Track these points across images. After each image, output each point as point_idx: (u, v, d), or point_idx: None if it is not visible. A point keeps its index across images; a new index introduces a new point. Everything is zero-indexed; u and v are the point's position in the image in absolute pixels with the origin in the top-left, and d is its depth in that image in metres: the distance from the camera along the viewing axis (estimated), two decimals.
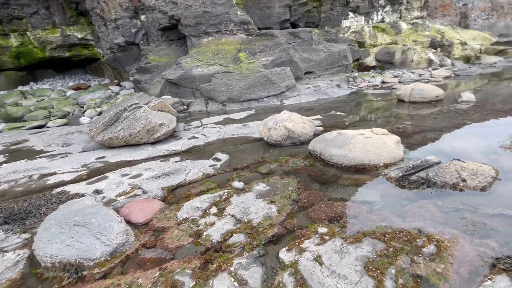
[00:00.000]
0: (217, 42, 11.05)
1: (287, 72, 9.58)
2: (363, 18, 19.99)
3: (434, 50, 15.96)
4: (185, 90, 9.67)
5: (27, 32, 14.41)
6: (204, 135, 5.60)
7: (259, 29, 13.70)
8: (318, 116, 6.40)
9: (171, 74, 9.53)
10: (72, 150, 5.38)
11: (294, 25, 15.16)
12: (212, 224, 2.32)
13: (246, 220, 2.30)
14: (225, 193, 2.83)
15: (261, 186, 3.02)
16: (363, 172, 3.27)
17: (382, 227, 2.15)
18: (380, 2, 19.82)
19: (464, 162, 2.94)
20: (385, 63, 16.48)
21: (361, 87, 11.13)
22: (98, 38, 13.88)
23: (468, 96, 6.58)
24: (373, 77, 13.25)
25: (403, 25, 18.24)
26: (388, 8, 20.31)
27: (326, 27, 20.01)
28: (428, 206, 2.44)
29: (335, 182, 3.15)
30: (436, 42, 16.28)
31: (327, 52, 11.47)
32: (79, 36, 15.15)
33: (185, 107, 9.43)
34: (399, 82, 11.81)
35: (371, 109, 6.75)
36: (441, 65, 14.91)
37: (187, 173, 3.54)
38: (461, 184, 2.63)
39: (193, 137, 5.48)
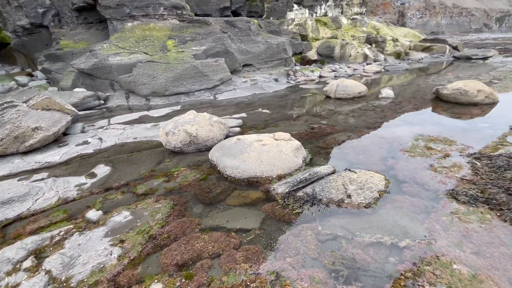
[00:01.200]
0: (144, 27, 9.82)
1: (221, 64, 8.94)
2: (307, 11, 20.11)
3: (369, 46, 16.79)
4: (102, 82, 8.38)
5: None
6: (100, 139, 4.72)
7: (196, 15, 12.67)
8: (243, 115, 5.96)
9: (83, 63, 8.14)
10: None
11: (235, 14, 14.42)
12: None
13: (63, 279, 1.68)
14: (63, 231, 2.16)
15: (121, 216, 2.41)
16: (255, 186, 2.88)
17: (235, 275, 1.73)
18: None
19: (355, 173, 2.73)
20: (326, 57, 16.85)
21: (299, 82, 11.04)
22: (4, 19, 11.39)
23: (387, 92, 6.78)
24: (312, 71, 13.35)
25: (344, 20, 18.80)
26: (330, 2, 20.72)
27: (271, 18, 19.66)
28: (305, 233, 2.12)
29: (222, 201, 2.70)
30: (371, 38, 17.14)
31: (266, 44, 11.08)
32: None
33: (102, 101, 8.18)
34: (335, 76, 12.05)
35: (298, 106, 6.55)
36: (375, 60, 15.76)
37: (37, 199, 2.74)
38: (346, 201, 2.37)
39: (85, 143, 4.57)
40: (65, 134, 5.20)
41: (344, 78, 7.23)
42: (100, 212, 2.55)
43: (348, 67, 14.33)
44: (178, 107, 7.26)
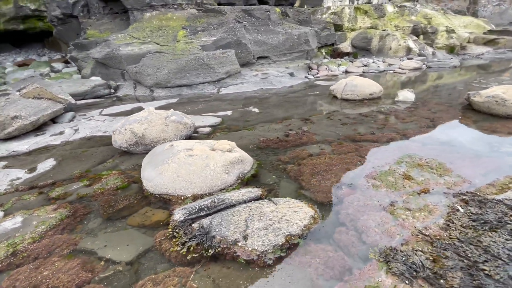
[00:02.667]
0: (162, 17, 9.85)
1: (230, 56, 8.53)
2: None
3: (415, 38, 14.65)
4: (114, 71, 8.66)
5: None
6: (76, 129, 4.76)
7: (220, 4, 12.35)
8: (227, 113, 5.51)
9: (98, 53, 8.47)
10: None
11: (262, 2, 13.73)
12: None
13: None
14: None
15: (12, 222, 2.25)
16: (166, 206, 2.49)
17: None
18: None
19: (275, 204, 2.15)
20: (362, 49, 15.23)
21: (318, 77, 10.10)
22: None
23: (405, 95, 5.66)
24: (340, 65, 12.16)
25: (389, 8, 16.70)
26: None
27: (305, 6, 18.54)
28: (169, 283, 1.68)
29: (124, 219, 2.37)
30: (419, 29, 14.92)
31: (285, 35, 10.29)
32: (32, 7, 13.80)
33: (112, 90, 8.47)
34: (363, 72, 10.75)
35: (295, 106, 5.84)
36: (420, 55, 13.70)
37: None
38: (239, 244, 1.84)
39: (60, 133, 4.65)
40: (54, 122, 5.41)
41: (356, 76, 6.26)
42: (1, 213, 2.44)
43: (383, 62, 12.73)
44: (175, 100, 7.12)
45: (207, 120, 4.97)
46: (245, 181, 2.80)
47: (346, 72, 11.20)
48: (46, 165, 3.42)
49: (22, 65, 11.87)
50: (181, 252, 1.88)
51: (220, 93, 7.93)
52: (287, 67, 10.17)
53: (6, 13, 13.14)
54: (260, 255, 1.77)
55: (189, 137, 4.15)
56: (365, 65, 12.08)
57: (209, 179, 2.53)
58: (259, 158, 3.41)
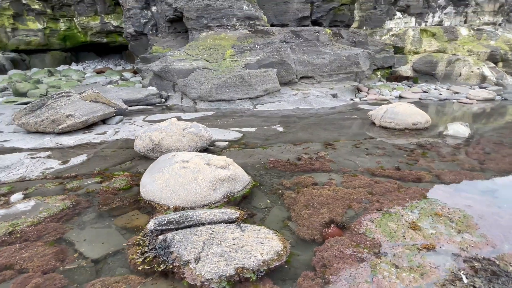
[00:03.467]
0: (215, 36, 10.68)
1: (270, 75, 8.67)
2: (413, 19, 17.26)
3: (493, 65, 12.69)
4: (167, 83, 9.61)
5: (74, 18, 16.29)
6: (117, 131, 5.37)
7: (273, 25, 12.83)
8: (251, 129, 5.53)
9: (155, 66, 9.56)
10: None
11: (316, 24, 13.77)
12: None
13: None
14: None
15: (25, 205, 2.62)
16: (150, 212, 2.56)
17: None
18: (439, 1, 16.78)
19: (241, 230, 2.01)
20: (425, 74, 13.87)
21: (365, 100, 9.49)
22: None
23: (456, 129, 4.86)
24: (393, 89, 11.24)
25: (463, 31, 15.01)
26: (449, 9, 17.11)
27: (364, 28, 18.01)
28: None
29: (114, 218, 2.53)
30: (497, 55, 12.94)
31: (333, 56, 10.04)
32: (115, 24, 16.48)
33: (163, 100, 9.39)
34: (420, 99, 9.68)
35: (325, 129, 5.54)
36: (497, 84, 11.75)
37: (10, 173, 3.37)
38: (190, 266, 1.75)
39: (103, 133, 5.30)
40: (104, 123, 6.21)
41: (400, 103, 5.66)
42: (22, 196, 2.86)
43: (448, 89, 11.31)
44: (211, 113, 7.49)
45: (229, 135, 5.07)
46: (233, 201, 2.71)
47: (400, 97, 10.26)
48: (78, 159, 3.91)
49: (100, 72, 14.12)
50: (137, 261, 1.89)
51: (255, 109, 8.06)
52: (331, 88, 9.83)
53: (93, 28, 15.96)
54: (205, 283, 1.66)
55: (205, 150, 4.28)
56: (424, 91, 10.91)
57: (193, 193, 2.53)
58: (261, 179, 3.29)
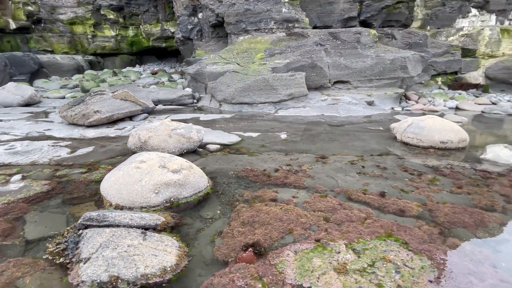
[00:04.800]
0: (252, 40, 10.79)
1: (297, 79, 8.32)
2: (493, 17, 14.57)
3: None
4: (200, 85, 10.10)
5: (140, 26, 18.53)
6: (134, 128, 5.87)
7: (315, 27, 12.31)
8: (252, 134, 5.36)
9: (192, 69, 10.16)
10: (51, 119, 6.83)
11: (365, 24, 12.66)
12: None
13: None
14: None
15: (15, 186, 3.06)
16: (99, 205, 2.70)
17: None
18: None
19: (143, 239, 1.93)
20: (500, 82, 11.47)
21: (408, 110, 8.32)
22: None
23: (497, 153, 3.82)
24: (451, 98, 9.60)
25: None
26: None
27: (428, 28, 15.98)
28: None
29: (71, 205, 2.77)
30: None
31: (375, 59, 9.09)
32: (172, 30, 18.10)
33: (195, 101, 9.91)
34: (483, 112, 8.00)
35: (333, 140, 5.02)
36: None
37: (28, 156, 4.01)
38: (80, 265, 1.77)
39: (122, 128, 5.85)
40: (131, 119, 6.86)
41: (432, 116, 4.75)
42: (20, 177, 3.34)
43: None
44: (229, 116, 7.58)
45: (228, 138, 5.03)
46: (175, 207, 2.66)
47: (457, 108, 8.68)
48: (84, 151, 4.40)
49: (154, 73, 15.68)
50: (49, 249, 2.01)
51: (276, 114, 7.84)
52: (369, 94, 8.90)
53: (155, 34, 17.79)
54: (80, 284, 1.66)
55: (194, 151, 4.34)
56: (493, 103, 8.99)
57: (134, 194, 2.57)
58: (226, 187, 3.16)
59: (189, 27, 12.82)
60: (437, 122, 4.48)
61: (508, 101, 8.97)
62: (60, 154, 4.23)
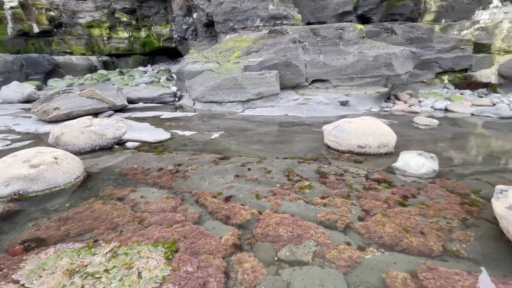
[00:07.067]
0: (237, 39, 10.75)
1: (267, 78, 8.11)
2: None
3: None
4: (182, 83, 10.31)
5: (151, 27, 19.42)
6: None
7: (309, 24, 11.88)
8: (185, 133, 5.35)
9: (175, 68, 10.43)
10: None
11: (364, 19, 11.89)
12: None
13: None
14: None
15: None
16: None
17: None
18: None
19: None
20: None
21: (386, 111, 7.69)
22: None
23: (408, 162, 3.35)
24: (449, 99, 8.70)
25: None
26: None
27: (443, 21, 14.68)
28: None
29: None
30: None
31: (357, 56, 8.52)
32: None
33: (176, 99, 10.17)
34: (473, 115, 7.09)
35: (261, 142, 4.82)
36: None
37: None
38: None
39: None
40: (97, 116, 7.27)
41: (363, 118, 4.35)
42: None
43: None
44: (191, 114, 7.67)
45: (157, 136, 5.10)
46: (22, 199, 2.80)
47: (446, 110, 7.80)
48: (17, 144, 4.78)
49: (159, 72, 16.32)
50: None
51: (242, 113, 7.74)
52: (347, 94, 8.37)
53: (164, 35, 18.49)
54: None
55: (109, 148, 4.49)
56: (493, 104, 7.94)
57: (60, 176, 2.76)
58: (96, 184, 3.23)
59: (184, 27, 13.15)
60: (362, 125, 4.08)
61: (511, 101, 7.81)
62: (3, 143, 4.65)
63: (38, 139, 5.12)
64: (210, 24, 12.38)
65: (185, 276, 1.71)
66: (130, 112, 7.83)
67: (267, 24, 10.67)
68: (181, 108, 9.06)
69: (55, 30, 17.02)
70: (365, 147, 3.90)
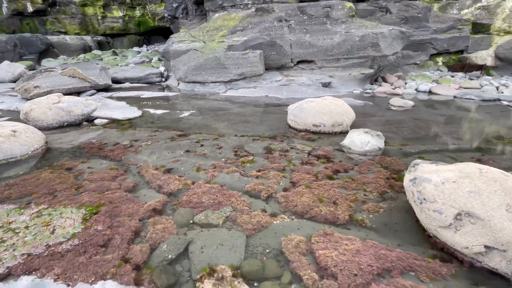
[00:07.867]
0: (226, 17, 10.53)
1: (250, 58, 8.03)
2: None
3: None
4: (169, 63, 10.28)
5: (146, 6, 19.04)
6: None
7: (301, 1, 11.48)
8: (158, 111, 5.45)
9: (161, 48, 10.35)
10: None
11: None
12: None
13: None
14: None
15: None
16: None
17: None
18: None
19: None
20: None
21: (368, 93, 7.61)
22: None
23: (354, 140, 3.41)
24: (437, 81, 8.54)
25: None
26: None
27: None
28: None
29: None
30: None
31: (344, 36, 8.33)
32: None
33: (163, 79, 10.19)
34: (455, 97, 6.98)
35: (229, 121, 4.89)
36: None
37: None
38: None
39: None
40: (79, 95, 7.40)
41: (323, 98, 4.36)
42: None
43: None
44: (172, 94, 7.74)
45: (128, 114, 5.22)
46: None
47: (430, 92, 7.68)
48: (1, 119, 4.97)
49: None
50: None
51: (224, 94, 7.77)
52: (331, 75, 8.27)
53: (159, 13, 18.16)
54: None
55: (78, 124, 4.64)
56: (481, 86, 7.77)
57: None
58: (54, 155, 3.40)
59: (175, 5, 12.88)
60: (320, 104, 4.12)
61: (504, 85, 7.61)
62: None
63: (17, 116, 5.30)
64: (200, 2, 12.09)
65: (93, 233, 1.88)
66: (113, 92, 7.93)
67: (256, 1, 10.38)
68: (168, 88, 9.11)
69: (49, 9, 16.86)
70: (320, 126, 3.96)
